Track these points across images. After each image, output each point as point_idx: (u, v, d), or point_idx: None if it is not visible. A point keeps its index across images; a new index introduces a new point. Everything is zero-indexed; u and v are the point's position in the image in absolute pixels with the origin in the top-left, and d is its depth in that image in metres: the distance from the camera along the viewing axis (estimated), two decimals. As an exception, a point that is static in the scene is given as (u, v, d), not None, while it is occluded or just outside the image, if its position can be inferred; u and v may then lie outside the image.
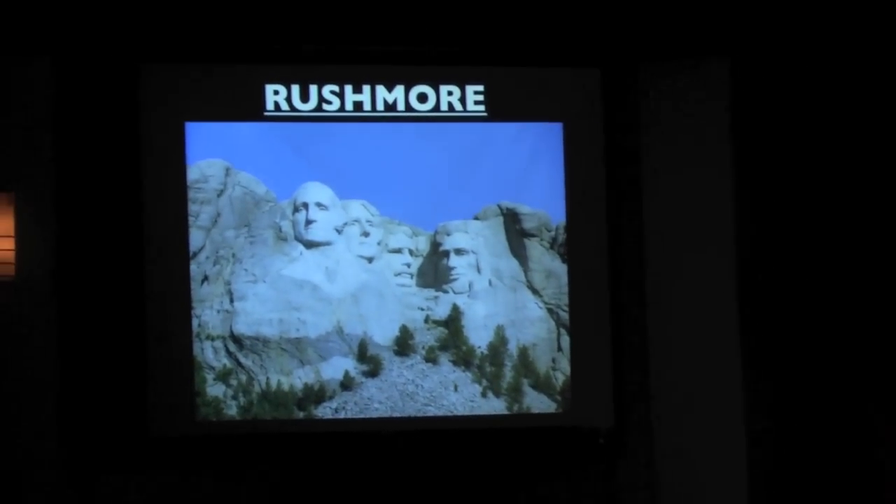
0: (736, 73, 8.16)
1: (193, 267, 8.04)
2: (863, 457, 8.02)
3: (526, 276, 8.32)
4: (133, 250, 7.97)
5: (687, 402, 8.10)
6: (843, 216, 8.13)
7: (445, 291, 8.26)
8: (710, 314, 8.10)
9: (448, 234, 8.26)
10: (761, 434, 8.02)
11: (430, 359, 8.22)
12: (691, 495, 8.08)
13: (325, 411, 8.12)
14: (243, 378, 8.07)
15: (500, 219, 8.32)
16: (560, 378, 8.26)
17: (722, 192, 8.13)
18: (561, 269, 8.29)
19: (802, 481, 8.06)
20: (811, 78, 8.23)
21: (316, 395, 8.11)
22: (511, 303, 8.28)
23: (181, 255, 8.03)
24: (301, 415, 8.10)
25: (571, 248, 8.28)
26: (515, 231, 8.32)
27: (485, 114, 8.30)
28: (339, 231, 8.20)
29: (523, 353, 8.26)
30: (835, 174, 8.15)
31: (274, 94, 8.16)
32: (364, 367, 8.16)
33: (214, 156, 8.11)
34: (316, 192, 8.17)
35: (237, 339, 8.08)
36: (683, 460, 8.12)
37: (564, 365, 8.26)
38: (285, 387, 8.09)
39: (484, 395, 8.24)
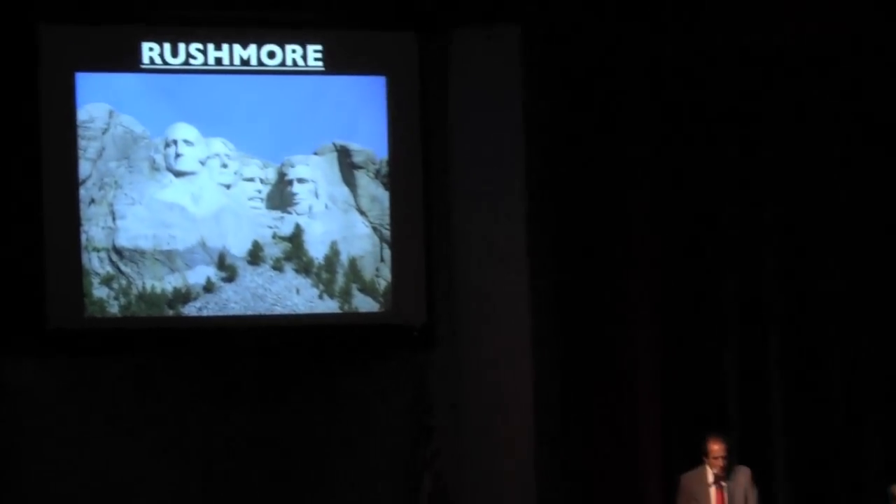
0: (526, 39, 9.99)
1: (82, 192, 9.67)
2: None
3: (355, 200, 10.07)
4: (33, 178, 9.56)
5: (483, 303, 9.92)
6: (611, 158, 10.04)
7: (290, 213, 9.99)
8: (503, 230, 9.91)
9: (292, 167, 9.98)
10: (544, 323, 9.87)
11: (277, 267, 9.95)
12: (486, 371, 9.90)
13: (190, 310, 9.84)
14: (123, 282, 9.77)
15: (335, 154, 10.07)
16: (383, 284, 10.05)
17: (514, 136, 9.95)
18: (384, 195, 10.07)
19: (580, 357, 9.94)
20: (594, 46, 10.09)
21: (183, 296, 9.83)
22: (343, 222, 10.04)
23: (72, 181, 9.63)
24: (171, 312, 9.81)
25: (392, 178, 10.05)
26: (347, 164, 10.06)
27: (322, 68, 10.01)
28: (202, 163, 9.89)
29: (353, 263, 10.03)
30: (614, 128, 10.04)
31: (149, 51, 9.78)
32: (223, 275, 9.88)
33: (100, 101, 9.73)
34: (184, 131, 9.84)
35: (118, 251, 9.75)
36: (481, 347, 9.93)
37: (386, 273, 10.05)
38: (158, 290, 9.80)
39: (321, 297, 10.00)
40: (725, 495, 8.86)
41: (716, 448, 8.95)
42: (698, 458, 8.94)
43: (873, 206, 10.23)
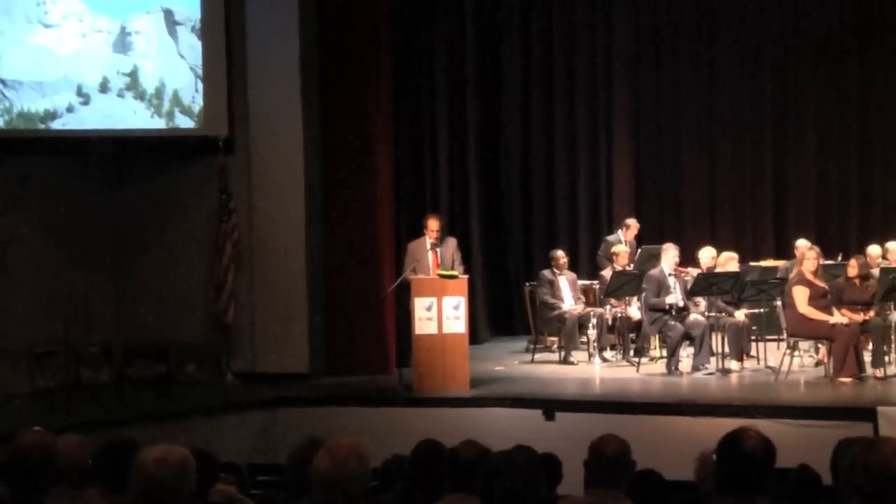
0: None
1: (-25, 38, 13.29)
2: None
3: (177, 47, 13.83)
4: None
5: (269, 120, 13.77)
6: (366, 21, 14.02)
7: (129, 56, 13.68)
8: (283, 69, 13.70)
9: (132, 22, 13.68)
10: (312, 132, 13.77)
11: (120, 95, 13.63)
12: (269, 168, 13.72)
13: (57, 125, 13.52)
14: (7, 104, 13.36)
15: (162, 14, 13.76)
16: (197, 107, 13.84)
17: (291, 5, 13.80)
18: (198, 44, 13.78)
19: (337, 157, 13.91)
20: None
21: (52, 115, 13.47)
22: (170, 64, 13.77)
23: (-33, 30, 13.23)
24: (42, 127, 13.50)
25: (204, 32, 13.77)
26: (171, 21, 13.75)
27: (152, -51, 13.73)
28: (65, 18, 13.51)
29: (175, 93, 13.80)
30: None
31: (27, -66, 13.34)
32: (80, 100, 13.54)
33: (-14, -32, 13.27)
34: (50, -8, 13.48)
35: (2, 81, 13.31)
36: (265, 151, 13.78)
37: (199, 100, 13.82)
38: (33, 110, 13.44)
39: (152, 117, 13.75)
40: (439, 257, 13.06)
41: (432, 223, 13.04)
42: (420, 231, 13.13)
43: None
